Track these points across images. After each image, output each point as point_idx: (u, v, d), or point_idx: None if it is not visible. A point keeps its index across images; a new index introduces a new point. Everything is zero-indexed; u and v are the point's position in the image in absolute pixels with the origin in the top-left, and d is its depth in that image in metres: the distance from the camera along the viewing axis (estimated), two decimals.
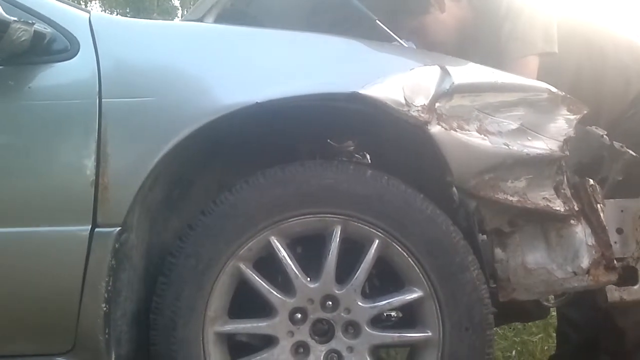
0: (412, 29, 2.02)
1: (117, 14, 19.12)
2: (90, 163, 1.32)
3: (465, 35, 2.02)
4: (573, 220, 1.50)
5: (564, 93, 1.49)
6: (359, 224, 1.41)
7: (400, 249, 1.42)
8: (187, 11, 18.47)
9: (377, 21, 1.59)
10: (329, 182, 1.41)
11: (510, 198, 1.43)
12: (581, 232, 1.50)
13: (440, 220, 1.42)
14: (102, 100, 1.35)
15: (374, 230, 1.41)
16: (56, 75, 1.40)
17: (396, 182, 1.42)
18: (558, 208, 1.46)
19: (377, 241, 1.42)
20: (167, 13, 17.41)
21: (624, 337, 1.99)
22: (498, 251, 1.50)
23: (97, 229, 1.32)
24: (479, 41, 1.98)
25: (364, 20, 2.02)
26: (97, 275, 1.31)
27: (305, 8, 2.10)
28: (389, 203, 1.41)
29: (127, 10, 18.01)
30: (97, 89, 1.36)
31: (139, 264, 1.44)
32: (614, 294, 1.61)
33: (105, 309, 1.32)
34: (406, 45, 1.72)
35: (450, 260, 1.41)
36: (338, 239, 1.41)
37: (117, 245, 1.32)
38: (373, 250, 1.42)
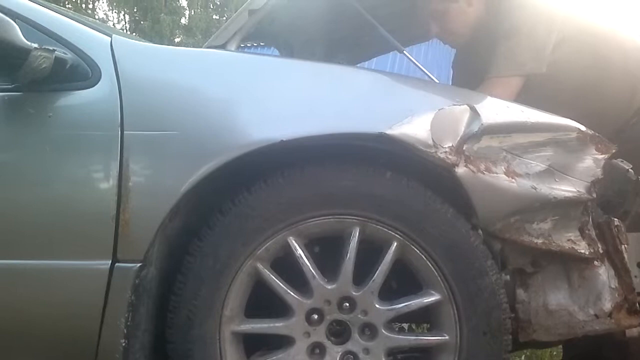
0: (434, 11, 2.02)
1: (124, 14, 19.11)
2: (110, 198, 1.30)
3: (477, 35, 2.01)
4: (597, 261, 1.47)
5: (592, 132, 1.47)
6: (378, 226, 1.40)
7: (418, 252, 1.40)
8: (194, 11, 18.48)
9: (404, 52, 1.56)
10: (348, 183, 1.39)
11: (535, 240, 1.42)
12: (604, 274, 1.48)
13: (460, 224, 1.40)
14: (124, 132, 1.32)
15: (392, 233, 1.40)
16: (77, 104, 1.38)
17: (416, 185, 1.40)
18: (583, 250, 1.44)
19: (395, 243, 1.40)
20: (175, 13, 17.37)
21: (627, 349, 1.97)
22: (520, 292, 1.48)
23: (117, 264, 1.30)
24: (485, 48, 1.96)
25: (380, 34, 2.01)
26: (117, 312, 1.29)
27: (325, 19, 2.09)
28: (408, 205, 1.39)
29: (135, 10, 17.98)
30: (119, 120, 1.33)
31: (157, 292, 1.41)
32: (633, 329, 1.58)
33: (124, 344, 1.30)
34: (433, 78, 1.69)
35: (469, 264, 1.39)
36: (356, 241, 1.39)
37: (137, 281, 1.30)
38: (391, 253, 1.40)
